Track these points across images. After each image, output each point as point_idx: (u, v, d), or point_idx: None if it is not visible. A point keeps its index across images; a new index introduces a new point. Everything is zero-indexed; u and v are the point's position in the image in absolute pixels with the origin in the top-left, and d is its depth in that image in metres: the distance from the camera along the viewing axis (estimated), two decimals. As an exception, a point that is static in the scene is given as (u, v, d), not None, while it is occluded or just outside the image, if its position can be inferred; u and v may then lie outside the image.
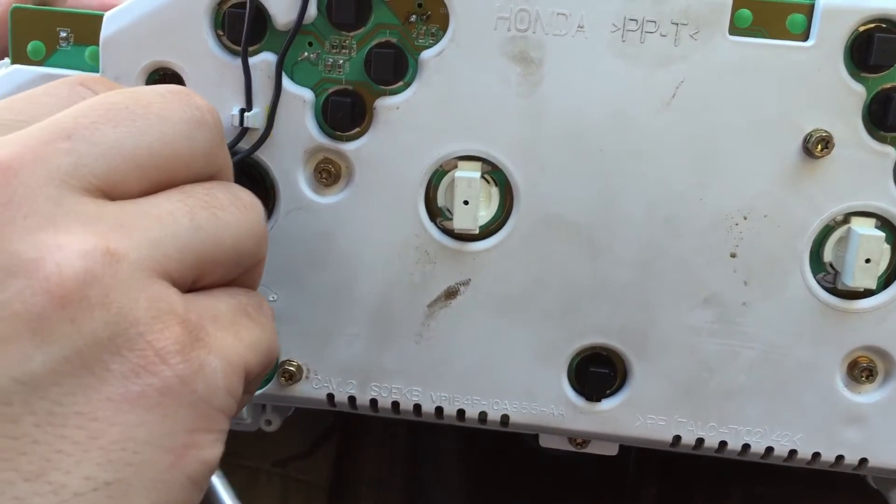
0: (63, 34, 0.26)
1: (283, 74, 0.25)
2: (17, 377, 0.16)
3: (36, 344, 0.16)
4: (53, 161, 0.17)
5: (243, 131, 0.25)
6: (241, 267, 0.21)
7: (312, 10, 0.25)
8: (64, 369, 0.16)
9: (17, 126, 0.18)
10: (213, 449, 0.18)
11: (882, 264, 0.25)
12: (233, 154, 0.25)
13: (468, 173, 0.25)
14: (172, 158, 0.19)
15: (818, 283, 0.26)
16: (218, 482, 0.22)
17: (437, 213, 0.26)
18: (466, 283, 0.26)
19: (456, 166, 0.26)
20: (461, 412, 0.27)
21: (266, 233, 0.21)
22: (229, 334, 0.19)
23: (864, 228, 0.25)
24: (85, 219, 0.17)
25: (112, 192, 0.18)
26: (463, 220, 0.25)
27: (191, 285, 0.19)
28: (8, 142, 0.17)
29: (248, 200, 0.21)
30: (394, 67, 0.25)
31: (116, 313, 0.16)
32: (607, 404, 0.27)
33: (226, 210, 0.20)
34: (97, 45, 0.25)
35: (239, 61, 0.25)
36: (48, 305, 0.16)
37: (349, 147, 0.26)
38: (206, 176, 0.20)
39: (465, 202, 0.25)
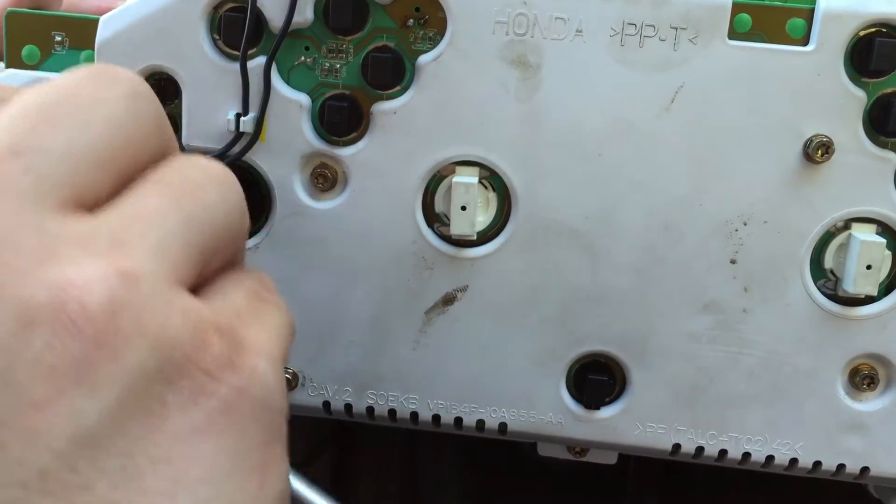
0: (58, 38, 0.26)
1: (280, 79, 0.25)
2: (75, 437, 0.14)
3: (84, 394, 0.14)
4: (14, 184, 0.15)
5: (238, 136, 0.25)
6: (234, 246, 0.19)
7: (309, 15, 0.25)
8: (122, 414, 0.14)
9: None
10: (286, 459, 0.17)
11: (883, 271, 0.25)
12: (224, 159, 0.25)
13: (466, 178, 0.25)
14: (127, 142, 0.17)
15: (819, 289, 0.25)
16: (297, 482, 0.21)
17: (434, 219, 0.26)
18: (464, 289, 0.26)
19: (453, 171, 0.25)
20: (459, 420, 0.27)
21: (244, 201, 0.19)
22: (257, 327, 0.18)
23: (865, 234, 0.25)
24: (78, 241, 0.15)
25: (85, 200, 0.16)
26: (460, 226, 0.25)
27: (196, 282, 0.17)
28: None
29: (218, 171, 0.18)
30: (391, 72, 0.25)
31: (155, 338, 0.15)
32: (606, 412, 0.27)
33: (206, 190, 0.18)
34: (92, 49, 0.25)
35: (235, 65, 0.25)
36: (84, 348, 0.14)
37: (346, 152, 0.25)
38: (161, 151, 0.18)
39: (463, 208, 0.25)
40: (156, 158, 0.18)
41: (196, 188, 0.17)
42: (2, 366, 0.14)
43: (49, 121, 0.16)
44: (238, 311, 0.17)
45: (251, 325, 0.17)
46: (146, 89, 0.18)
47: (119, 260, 0.15)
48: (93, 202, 0.16)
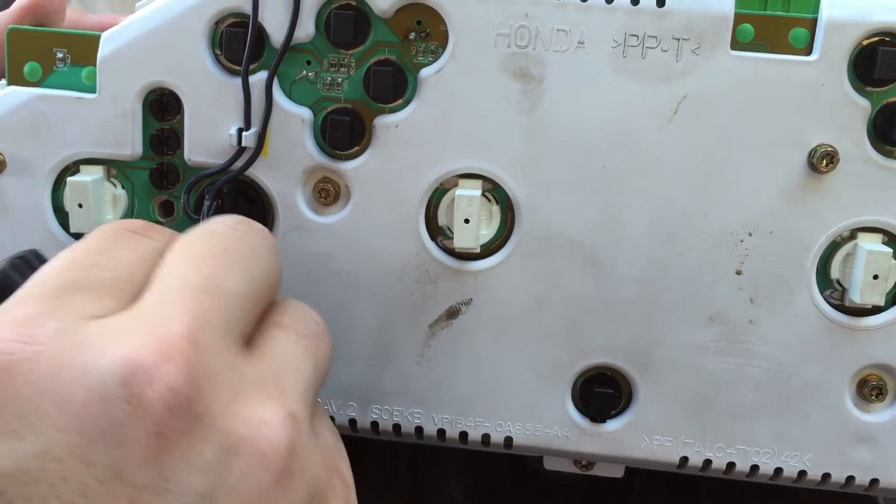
0: (60, 55, 0.26)
1: (282, 93, 0.25)
2: None
3: None
4: (213, 322, 0.18)
5: (240, 151, 0.25)
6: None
7: (311, 29, 0.25)
8: None
9: (121, 282, 0.18)
10: None
11: (890, 280, 0.25)
12: (226, 174, 0.25)
13: (469, 191, 0.25)
14: (269, 286, 0.20)
15: (825, 300, 0.25)
16: None
17: (437, 232, 0.26)
18: (468, 302, 0.26)
19: (456, 184, 0.25)
20: (464, 434, 0.27)
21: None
22: (345, 464, 0.21)
23: (871, 244, 0.24)
24: (256, 381, 0.18)
25: (245, 335, 0.19)
26: (464, 239, 0.25)
27: None
28: (170, 311, 0.17)
29: (320, 320, 0.22)
30: (393, 85, 0.25)
31: (310, 478, 0.18)
32: (612, 425, 0.26)
33: (321, 339, 0.21)
34: (94, 65, 0.25)
35: (236, 80, 0.25)
36: (270, 482, 0.17)
37: (348, 166, 0.25)
38: (277, 291, 0.21)
39: (466, 220, 0.25)
40: (274, 297, 0.21)
41: (318, 339, 0.21)
42: (207, 485, 0.16)
43: (225, 266, 0.19)
44: (332, 449, 0.21)
45: (343, 461, 0.21)
46: (275, 243, 0.22)
47: (286, 403, 0.18)
48: (248, 337, 0.19)
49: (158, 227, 0.22)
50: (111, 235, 0.20)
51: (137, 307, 0.18)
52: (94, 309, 0.17)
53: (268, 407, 0.17)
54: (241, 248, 0.20)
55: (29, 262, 0.21)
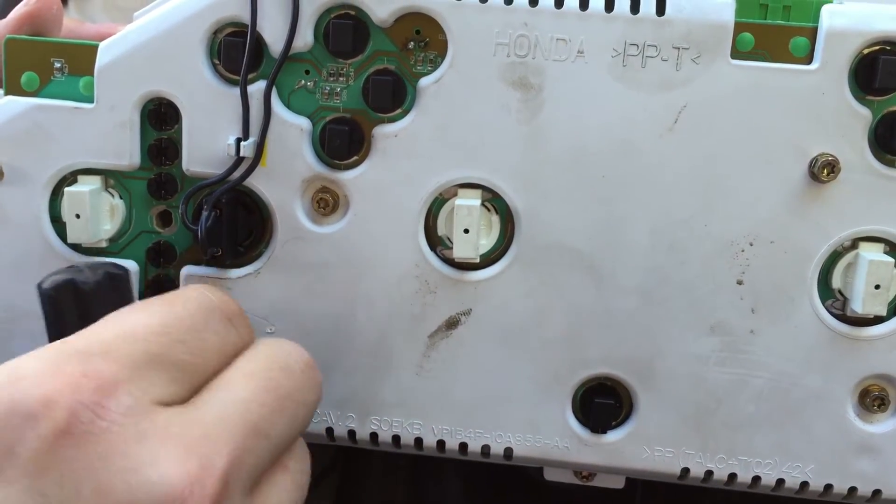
0: (57, 65, 0.26)
1: (280, 103, 0.25)
2: None
3: None
4: (247, 465, 0.19)
5: (238, 160, 0.25)
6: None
7: (309, 38, 0.25)
8: None
9: (195, 371, 0.20)
10: None
11: (892, 290, 0.24)
12: (224, 184, 0.25)
13: (468, 201, 0.25)
14: (300, 434, 0.22)
15: (827, 310, 0.25)
16: None
17: (437, 242, 0.26)
18: (467, 312, 0.26)
19: (456, 194, 0.25)
20: (463, 445, 0.26)
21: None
22: None
23: (873, 254, 0.24)
24: None
25: (257, 477, 0.20)
26: (463, 249, 0.25)
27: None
28: (223, 441, 0.19)
29: (307, 469, 0.23)
30: (392, 95, 0.25)
31: None
32: (613, 436, 0.26)
33: (305, 488, 0.22)
34: (92, 75, 0.25)
35: (234, 90, 0.24)
36: None
37: (347, 176, 0.25)
38: None
39: (466, 230, 0.25)
40: None
41: (306, 489, 0.22)
42: None
43: (279, 411, 0.20)
44: None
45: None
46: (322, 398, 0.23)
47: None
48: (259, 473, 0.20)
49: (245, 318, 0.23)
50: (208, 313, 0.21)
51: (199, 410, 0.19)
52: (165, 392, 0.19)
53: None
54: (300, 399, 0.21)
55: (121, 280, 0.23)
